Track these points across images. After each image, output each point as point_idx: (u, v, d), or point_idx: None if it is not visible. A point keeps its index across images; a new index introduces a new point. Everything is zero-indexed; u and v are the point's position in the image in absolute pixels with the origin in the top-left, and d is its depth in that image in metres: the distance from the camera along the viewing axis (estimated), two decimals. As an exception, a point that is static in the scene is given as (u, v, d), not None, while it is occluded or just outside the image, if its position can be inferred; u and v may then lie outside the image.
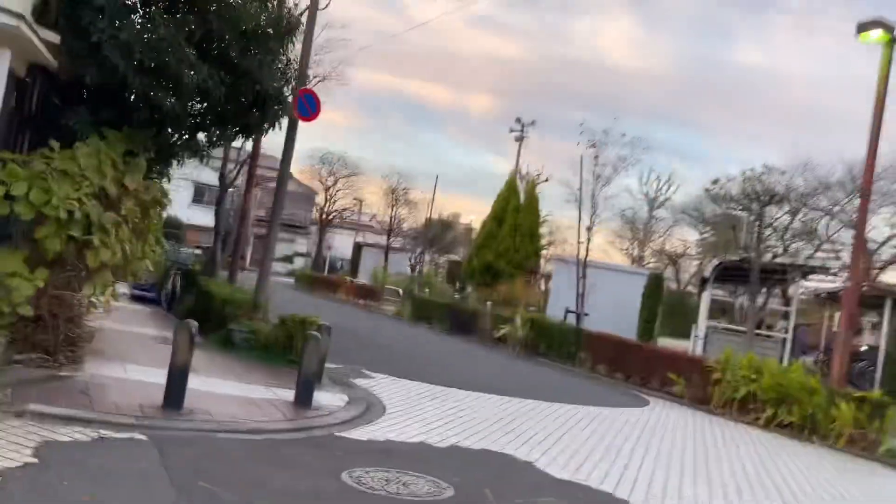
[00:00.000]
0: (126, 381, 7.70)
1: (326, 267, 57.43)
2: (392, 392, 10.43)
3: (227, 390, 8.34)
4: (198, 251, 16.56)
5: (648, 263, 47.57)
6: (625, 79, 79.96)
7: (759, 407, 13.50)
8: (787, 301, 23.65)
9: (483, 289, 38.86)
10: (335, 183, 47.62)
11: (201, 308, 13.32)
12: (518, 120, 55.00)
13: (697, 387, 15.04)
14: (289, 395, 8.41)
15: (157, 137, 8.66)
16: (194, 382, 8.20)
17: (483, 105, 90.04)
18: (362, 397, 9.47)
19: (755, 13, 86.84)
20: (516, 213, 40.50)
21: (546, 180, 49.18)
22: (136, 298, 16.47)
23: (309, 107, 11.46)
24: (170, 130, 8.76)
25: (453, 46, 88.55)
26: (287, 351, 10.70)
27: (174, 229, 53.84)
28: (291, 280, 42.82)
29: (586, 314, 20.20)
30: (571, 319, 20.13)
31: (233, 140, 9.86)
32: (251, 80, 8.63)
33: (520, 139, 54.70)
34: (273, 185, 56.96)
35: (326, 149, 48.11)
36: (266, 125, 9.75)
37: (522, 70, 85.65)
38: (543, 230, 41.97)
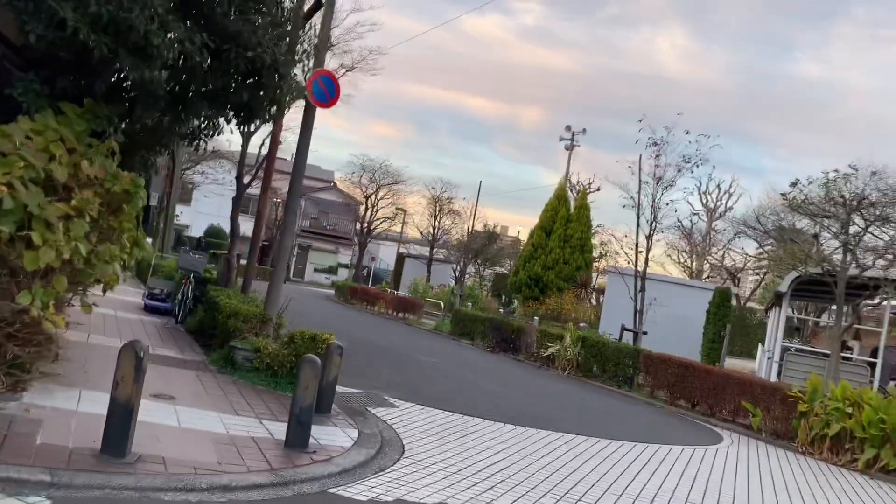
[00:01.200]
0: (72, 415, 6.15)
1: (370, 279, 56.25)
2: (416, 425, 8.70)
3: (206, 425, 6.73)
4: (214, 257, 15.08)
5: (707, 277, 44.82)
6: (679, 91, 77.34)
7: (857, 447, 11.34)
8: (859, 319, 21.22)
9: (530, 303, 36.92)
10: (377, 191, 46.20)
11: (210, 321, 11.87)
12: (568, 128, 53.06)
13: (778, 419, 12.90)
14: (285, 432, 6.78)
15: (130, 116, 7.18)
16: (167, 415, 6.64)
17: (533, 118, 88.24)
18: (377, 433, 7.77)
19: (815, 23, 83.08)
20: (566, 224, 38.48)
21: (598, 189, 47.19)
22: (149, 309, 15.16)
23: (326, 90, 9.89)
24: (150, 107, 7.21)
25: (505, 59, 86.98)
26: (295, 374, 9.04)
27: (217, 239, 53.71)
28: (332, 291, 41.59)
29: (644, 332, 18.13)
30: (627, 338, 18.10)
31: (229, 122, 8.30)
32: (241, 46, 7.07)
33: (570, 147, 52.69)
34: (316, 194, 56.01)
35: (366, 155, 46.67)
36: (268, 106, 8.17)
37: (574, 83, 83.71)
38: (594, 241, 39.86)
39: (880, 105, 74.21)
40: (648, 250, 18.35)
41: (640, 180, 18.20)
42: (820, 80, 75.74)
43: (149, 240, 35.54)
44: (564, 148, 53.31)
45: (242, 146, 13.76)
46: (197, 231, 54.57)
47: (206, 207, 56.23)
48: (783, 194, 16.67)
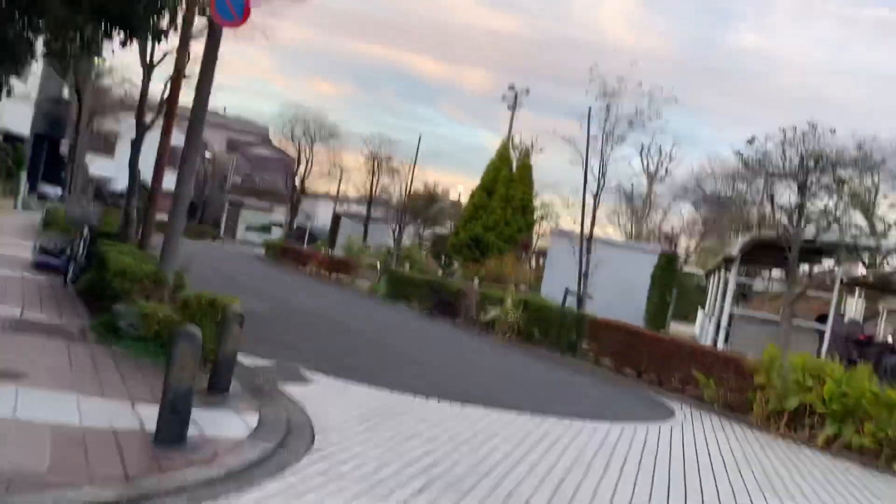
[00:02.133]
0: None
1: (306, 238, 54.26)
2: (333, 406, 7.37)
3: (53, 414, 5.23)
4: (117, 204, 13.24)
5: (645, 241, 44.59)
6: (622, 58, 76.66)
7: (817, 423, 10.58)
8: (811, 285, 20.82)
9: (470, 265, 35.83)
10: (311, 145, 43.99)
11: (101, 281, 10.18)
12: (511, 87, 51.70)
13: (732, 391, 12.08)
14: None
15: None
16: (5, 400, 5.12)
17: (478, 81, 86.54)
18: (283, 418, 6.39)
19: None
20: (508, 184, 37.36)
21: (541, 150, 46.08)
22: (40, 266, 13.25)
23: (233, 7, 8.21)
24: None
25: (449, 18, 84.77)
26: None
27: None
28: (263, 251, 39.57)
29: (590, 297, 17.19)
30: (571, 302, 17.12)
31: (108, 37, 6.60)
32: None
33: (513, 107, 51.38)
34: (253, 151, 53.27)
35: (300, 105, 44.17)
36: (149, 17, 6.50)
37: (519, 46, 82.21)
38: (536, 203, 38.94)
39: (815, 77, 75.39)
40: (595, 210, 17.32)
41: (587, 134, 17.05)
42: (756, 50, 76.33)
43: (54, 190, 32.28)
44: (507, 107, 51.93)
45: (143, 79, 11.90)
46: (119, 185, 51.37)
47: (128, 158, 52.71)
48: (738, 152, 15.80)
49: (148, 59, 11.60)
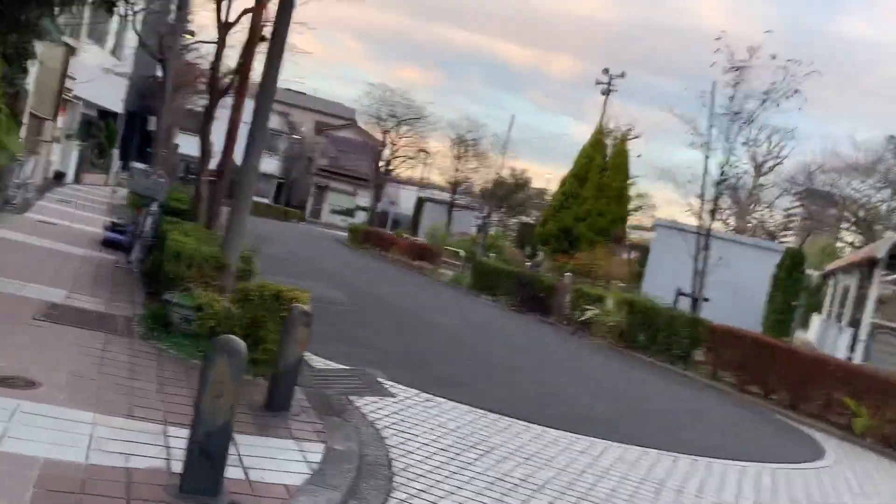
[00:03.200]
0: None
1: (389, 223, 53.53)
2: (419, 431, 5.91)
3: (59, 443, 3.96)
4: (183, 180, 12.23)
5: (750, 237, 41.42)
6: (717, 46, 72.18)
7: None
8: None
9: (558, 256, 33.93)
10: (398, 126, 42.76)
11: (160, 258, 9.10)
12: (605, 71, 49.17)
13: (893, 423, 9.99)
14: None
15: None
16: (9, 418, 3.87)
17: (564, 67, 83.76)
18: (354, 452, 4.97)
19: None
20: (601, 173, 35.14)
21: (637, 137, 43.47)
22: (108, 244, 12.41)
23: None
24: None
25: (538, 3, 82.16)
26: (250, 346, 6.21)
27: (232, 174, 50.89)
28: (346, 234, 38.88)
29: (706, 299, 15.16)
30: (683, 305, 15.15)
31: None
32: None
33: (606, 92, 49.05)
34: (340, 134, 52.96)
35: (385, 85, 42.89)
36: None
37: (609, 32, 78.87)
38: (631, 193, 36.54)
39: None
40: (716, 200, 15.21)
41: (710, 112, 14.94)
42: (862, 41, 70.33)
43: (144, 167, 32.25)
44: (601, 93, 49.42)
45: (218, 41, 10.76)
46: (210, 165, 51.81)
47: (219, 138, 53.20)
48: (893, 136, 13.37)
49: (224, 16, 10.46)
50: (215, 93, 10.88)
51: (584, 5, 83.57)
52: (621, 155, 35.33)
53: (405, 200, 54.59)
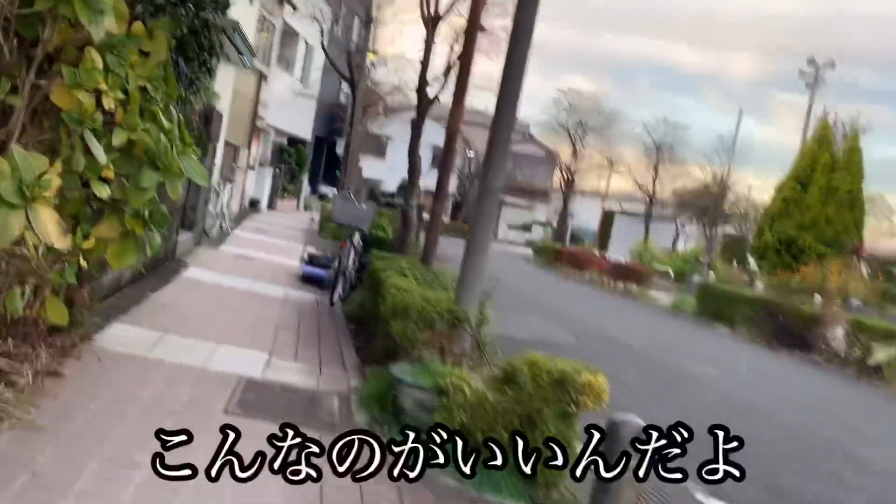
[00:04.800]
0: None
1: (567, 237, 50.88)
2: None
3: None
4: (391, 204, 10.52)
5: None
6: None
7: None
8: None
9: (780, 272, 29.50)
10: (584, 135, 40.06)
11: (372, 307, 7.32)
12: (811, 61, 43.60)
13: None
14: None
15: None
16: None
17: (743, 67, 76.74)
18: None
19: None
20: (829, 173, 30.26)
21: (864, 132, 37.59)
22: (306, 279, 11.06)
23: None
24: None
25: (709, 2, 76.11)
26: (524, 457, 3.95)
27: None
28: (529, 251, 36.75)
29: None
30: None
31: None
32: None
33: (812, 84, 43.45)
34: (514, 147, 51.82)
35: (574, 90, 40.17)
36: None
37: (790, 25, 71.06)
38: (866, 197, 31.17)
39: None
40: None
41: None
42: None
43: (332, 191, 32.31)
44: (805, 85, 43.99)
45: (426, 40, 8.98)
46: (390, 186, 52.19)
47: (401, 161, 53.44)
48: None
49: (431, 8, 8.69)
50: (423, 100, 9.08)
51: (761, 2, 76.27)
52: (853, 152, 30.22)
53: (586, 212, 51.63)
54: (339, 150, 34.46)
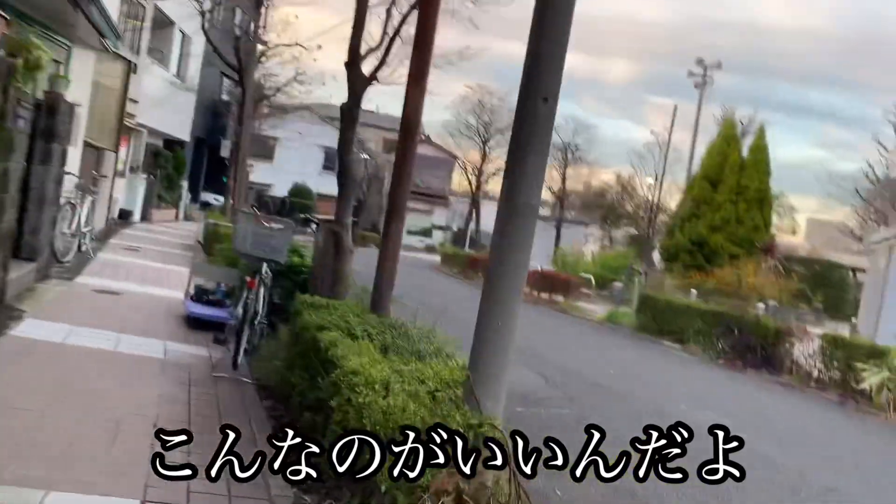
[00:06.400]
0: None
1: (466, 242, 49.43)
2: None
3: None
4: (312, 226, 7.87)
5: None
6: (779, 40, 66.32)
7: None
8: None
9: (693, 273, 28.82)
10: (488, 138, 38.43)
11: (308, 385, 4.75)
12: (700, 61, 44.16)
13: None
14: None
15: None
16: None
17: (618, 71, 78.63)
18: None
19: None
20: (738, 172, 29.95)
21: (761, 129, 38.00)
22: (194, 322, 8.29)
23: None
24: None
25: (588, 9, 77.23)
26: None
27: (303, 199, 47.24)
28: (431, 257, 34.68)
29: None
30: None
31: None
32: None
33: (701, 84, 44.00)
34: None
35: (484, 87, 38.02)
36: None
37: (661, 32, 73.44)
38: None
39: None
40: None
41: None
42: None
43: (216, 198, 28.95)
44: (694, 86, 44.53)
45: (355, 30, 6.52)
46: (280, 191, 48.49)
47: (290, 164, 50.22)
48: None
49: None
50: (357, 80, 6.59)
51: (634, 6, 78.34)
52: (759, 150, 30.09)
53: (491, 216, 50.07)
54: (224, 152, 30.95)
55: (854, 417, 10.41)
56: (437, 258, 35.35)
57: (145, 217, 22.75)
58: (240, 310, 6.58)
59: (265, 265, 6.82)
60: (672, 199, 37.10)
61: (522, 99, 3.47)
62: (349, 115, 6.49)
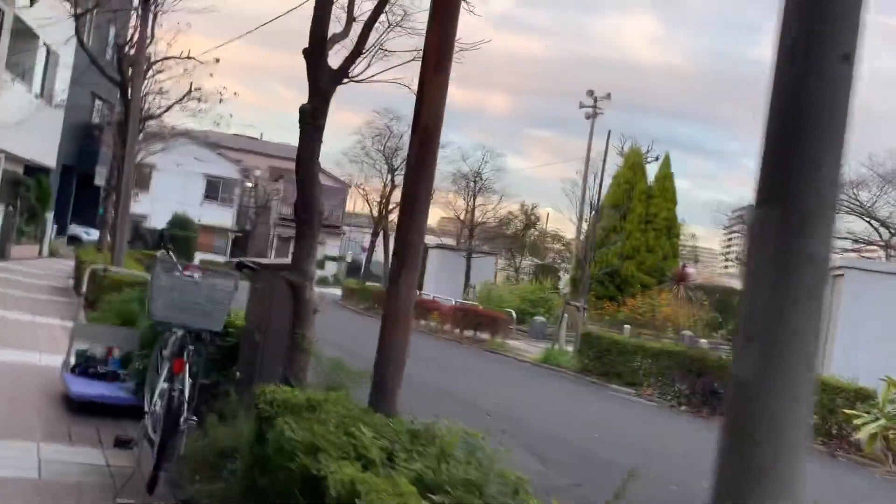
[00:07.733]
0: None
1: (361, 273, 47.49)
2: None
3: None
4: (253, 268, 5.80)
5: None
6: (647, 76, 70.16)
7: None
8: None
9: (606, 304, 28.26)
10: (395, 167, 36.68)
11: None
12: (590, 93, 44.78)
13: None
14: None
15: None
16: None
17: (500, 105, 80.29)
18: None
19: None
20: (646, 200, 29.85)
21: (657, 159, 38.52)
22: (78, 405, 6.02)
23: None
24: None
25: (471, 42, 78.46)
26: None
27: (184, 231, 43.44)
28: (329, 290, 32.40)
29: None
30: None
31: None
32: None
33: (592, 116, 44.61)
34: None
35: (391, 111, 36.11)
36: None
37: (538, 67, 75.92)
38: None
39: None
40: None
41: None
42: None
43: (87, 232, 25.49)
44: (585, 117, 45.10)
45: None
46: (158, 222, 44.54)
47: (169, 193, 46.49)
48: None
49: None
50: (323, 74, 4.73)
51: (517, 45, 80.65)
52: (666, 179, 30.16)
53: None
54: (99, 180, 27.54)
55: (859, 472, 9.44)
56: (336, 291, 33.10)
57: (2, 254, 19.41)
58: (157, 408, 4.50)
59: (188, 336, 4.77)
60: (569, 230, 36.76)
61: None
62: (311, 120, 4.64)
